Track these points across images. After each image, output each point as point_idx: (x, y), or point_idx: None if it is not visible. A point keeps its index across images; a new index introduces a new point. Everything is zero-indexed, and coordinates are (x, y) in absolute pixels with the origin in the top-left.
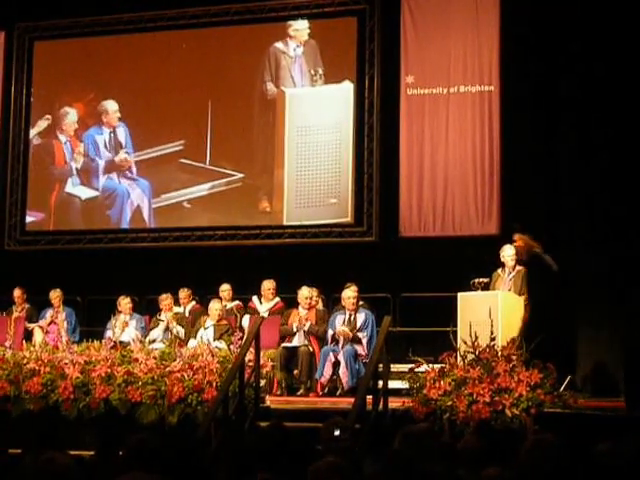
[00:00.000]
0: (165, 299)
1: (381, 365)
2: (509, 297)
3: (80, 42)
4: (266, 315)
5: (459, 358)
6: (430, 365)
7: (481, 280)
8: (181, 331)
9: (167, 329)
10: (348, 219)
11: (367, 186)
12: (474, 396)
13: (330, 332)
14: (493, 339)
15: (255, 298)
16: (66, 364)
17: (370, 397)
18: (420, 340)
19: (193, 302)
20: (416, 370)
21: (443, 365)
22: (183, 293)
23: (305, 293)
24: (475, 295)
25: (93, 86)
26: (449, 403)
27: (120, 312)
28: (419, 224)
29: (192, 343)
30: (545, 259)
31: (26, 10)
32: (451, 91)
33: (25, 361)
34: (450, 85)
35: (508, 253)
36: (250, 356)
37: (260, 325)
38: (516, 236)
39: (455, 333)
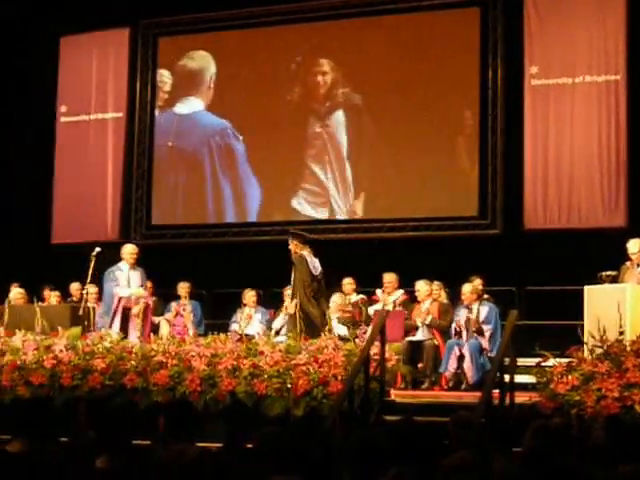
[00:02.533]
0: (288, 291)
1: (507, 359)
2: (638, 290)
3: (202, 37)
4: (390, 308)
5: (587, 352)
6: (557, 359)
7: (609, 273)
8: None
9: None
10: (472, 212)
11: (491, 179)
12: (602, 391)
13: (454, 326)
14: (621, 333)
15: (379, 291)
16: (193, 357)
17: (496, 391)
18: (546, 334)
19: None
20: (543, 364)
21: (570, 359)
22: None
23: (422, 287)
24: (603, 288)
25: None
26: (577, 398)
27: (245, 305)
28: (544, 216)
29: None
30: None
31: (150, 7)
32: (576, 81)
33: (153, 354)
34: (575, 75)
35: (632, 250)
36: (375, 349)
37: (385, 318)
38: None
39: (582, 327)
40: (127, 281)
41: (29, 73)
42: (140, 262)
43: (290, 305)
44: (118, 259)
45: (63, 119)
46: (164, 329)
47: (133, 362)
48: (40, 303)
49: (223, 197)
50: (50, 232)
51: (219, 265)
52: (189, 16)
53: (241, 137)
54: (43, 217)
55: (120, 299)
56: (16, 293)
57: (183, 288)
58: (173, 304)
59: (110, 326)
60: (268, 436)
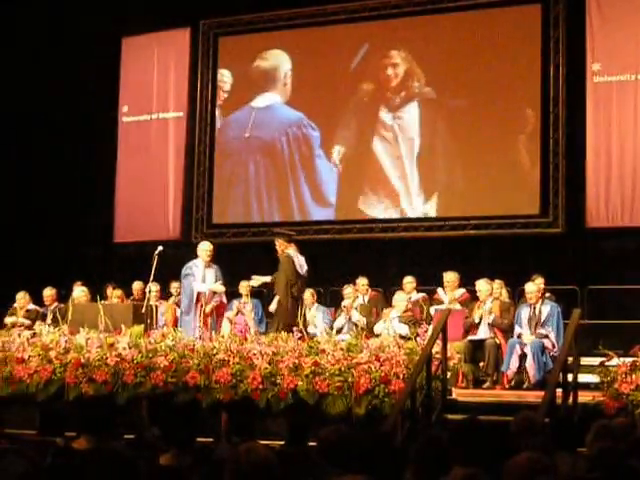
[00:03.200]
0: (344, 289)
1: (570, 358)
2: None
3: (262, 36)
4: (451, 306)
5: None
6: (621, 358)
7: None
8: (362, 320)
9: (349, 320)
10: (534, 210)
11: (553, 177)
12: None
13: (517, 326)
14: None
15: (440, 290)
16: (254, 355)
17: (559, 391)
18: (609, 333)
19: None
20: (606, 363)
21: (635, 358)
22: (361, 282)
23: (483, 287)
24: None
25: None
26: None
27: (304, 304)
28: (607, 214)
29: (379, 327)
30: None
31: (210, 7)
32: (639, 77)
33: (215, 352)
34: (638, 72)
35: None
36: (437, 348)
37: (447, 317)
38: None
39: None
40: (202, 278)
41: (92, 74)
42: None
43: (273, 303)
44: (188, 257)
45: (125, 119)
46: (225, 327)
47: (195, 360)
48: (103, 301)
49: (292, 193)
50: (112, 231)
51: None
52: (249, 16)
53: (317, 129)
54: (106, 216)
55: (199, 295)
56: (79, 292)
57: (244, 287)
58: (234, 302)
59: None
60: (332, 435)
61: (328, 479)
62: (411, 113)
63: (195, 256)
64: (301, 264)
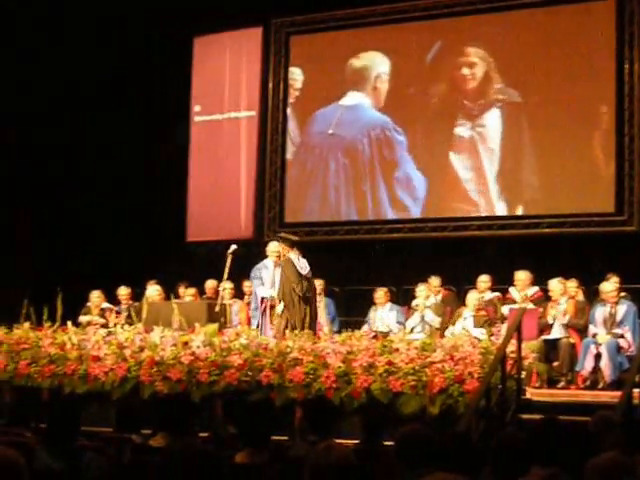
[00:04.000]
0: (417, 288)
1: None
2: None
3: (334, 35)
4: (524, 305)
5: None
6: None
7: None
8: (436, 320)
9: (422, 319)
10: (608, 208)
11: (628, 174)
12: None
13: (591, 326)
14: None
15: (512, 289)
16: (328, 353)
17: (637, 391)
18: None
19: (442, 290)
20: None
21: None
22: (434, 281)
23: (555, 287)
24: None
25: None
26: None
27: (376, 303)
28: None
29: (450, 330)
30: None
31: (282, 6)
32: None
33: (288, 350)
34: None
35: None
36: (511, 347)
37: (522, 316)
38: None
39: None
40: (272, 278)
41: (164, 73)
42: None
43: (278, 306)
44: (260, 256)
45: (197, 118)
46: None
47: (269, 358)
48: (177, 300)
49: (369, 194)
50: (185, 230)
51: (352, 262)
52: (321, 14)
53: (403, 133)
54: (178, 215)
55: (263, 299)
56: (153, 290)
57: (317, 285)
58: None
59: (257, 325)
60: (410, 434)
61: (417, 478)
62: (492, 120)
63: (265, 256)
64: (301, 265)
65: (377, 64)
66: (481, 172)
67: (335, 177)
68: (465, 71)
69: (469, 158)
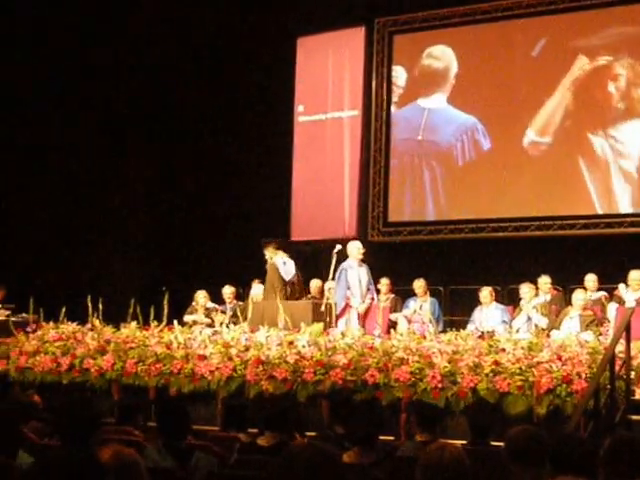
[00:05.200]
0: (524, 287)
1: None
2: None
3: (437, 34)
4: (633, 305)
5: None
6: None
7: None
8: (543, 320)
9: (528, 319)
10: None
11: None
12: None
13: None
14: None
15: (622, 286)
16: (433, 353)
17: None
18: None
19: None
20: None
21: None
22: (544, 280)
23: None
24: None
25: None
26: None
27: (481, 303)
28: None
29: (556, 334)
30: None
31: (385, 5)
32: None
33: (394, 350)
34: None
35: None
36: (620, 347)
37: (631, 316)
38: None
39: None
40: (358, 278)
41: (268, 74)
42: (377, 259)
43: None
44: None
45: (301, 118)
46: (402, 326)
47: (374, 358)
48: (281, 299)
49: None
50: (289, 230)
51: (455, 261)
52: (424, 13)
53: (489, 134)
54: (282, 215)
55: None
56: (258, 290)
57: (419, 285)
58: (411, 301)
59: (336, 323)
60: (521, 435)
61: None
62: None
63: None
64: (287, 270)
65: (451, 62)
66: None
67: (430, 180)
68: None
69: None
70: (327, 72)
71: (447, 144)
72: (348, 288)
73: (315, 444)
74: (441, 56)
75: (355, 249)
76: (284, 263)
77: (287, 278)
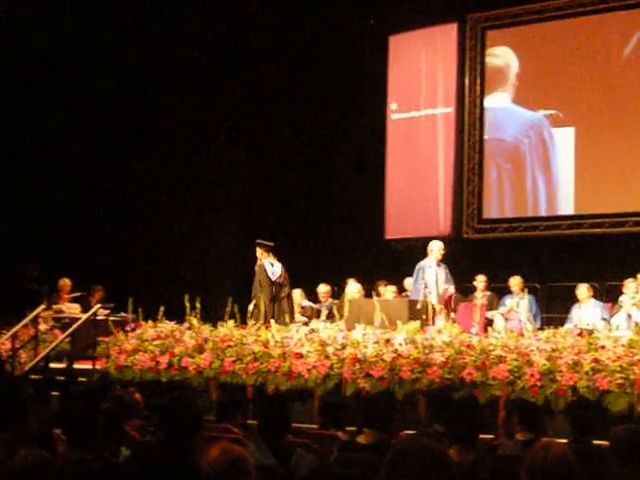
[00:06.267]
0: (629, 283)
1: None
2: None
3: (530, 29)
4: None
5: None
6: None
7: None
8: None
9: (629, 316)
10: None
11: None
12: None
13: None
14: None
15: None
16: (532, 351)
17: None
18: None
19: None
20: None
21: None
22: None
23: None
24: None
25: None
26: None
27: (579, 300)
28: None
29: None
30: None
31: (476, 1)
32: None
33: (491, 348)
34: None
35: None
36: None
37: None
38: None
39: None
40: (435, 277)
41: (360, 73)
42: (474, 256)
43: (250, 305)
44: (459, 253)
45: (394, 116)
46: (499, 323)
47: (472, 356)
48: (377, 297)
49: (545, 190)
50: (384, 228)
51: (552, 258)
52: (516, 8)
53: (557, 129)
54: (377, 213)
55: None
56: (353, 288)
57: (515, 283)
58: (507, 298)
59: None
60: (628, 434)
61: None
62: None
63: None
64: (273, 272)
65: (510, 60)
66: None
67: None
68: None
69: None
70: (420, 69)
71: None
72: (425, 286)
73: (424, 440)
74: (502, 55)
75: (436, 248)
76: (272, 265)
77: (273, 278)
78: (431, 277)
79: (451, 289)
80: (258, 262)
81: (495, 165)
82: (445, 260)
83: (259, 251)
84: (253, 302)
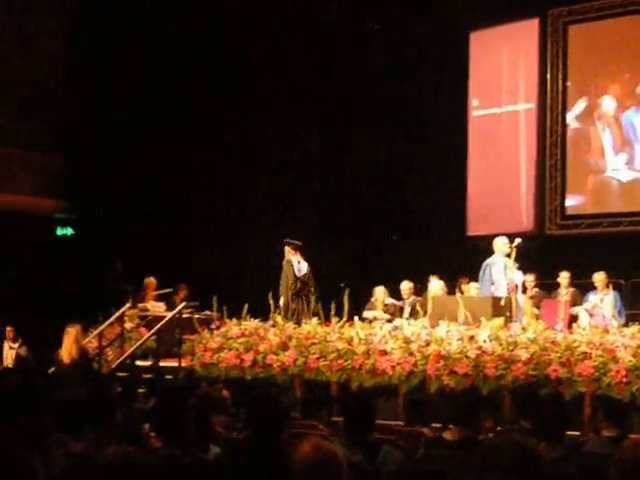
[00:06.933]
0: None
1: None
2: None
3: (613, 23)
4: None
5: None
6: None
7: None
8: None
9: None
10: None
11: None
12: None
13: None
14: None
15: None
16: (617, 347)
17: None
18: None
19: None
20: None
21: None
22: None
23: None
24: None
25: (628, 67)
26: None
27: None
28: None
29: None
30: None
31: None
32: None
33: (576, 344)
34: None
35: None
36: None
37: None
38: None
39: None
40: (503, 273)
41: (441, 70)
42: (557, 252)
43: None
44: (541, 249)
45: (475, 113)
46: (583, 320)
47: (557, 352)
48: (460, 294)
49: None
50: (465, 225)
51: (637, 254)
52: (598, 2)
53: None
54: (458, 210)
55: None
56: (436, 285)
57: (599, 278)
58: (591, 295)
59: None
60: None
61: None
62: None
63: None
64: (299, 269)
65: None
66: None
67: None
68: None
69: None
70: (501, 65)
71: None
72: (492, 284)
73: (515, 436)
74: None
75: (502, 244)
76: (298, 262)
77: (299, 275)
78: (498, 273)
79: (516, 279)
80: (286, 258)
81: (578, 160)
82: (528, 257)
83: (287, 249)
84: (282, 298)
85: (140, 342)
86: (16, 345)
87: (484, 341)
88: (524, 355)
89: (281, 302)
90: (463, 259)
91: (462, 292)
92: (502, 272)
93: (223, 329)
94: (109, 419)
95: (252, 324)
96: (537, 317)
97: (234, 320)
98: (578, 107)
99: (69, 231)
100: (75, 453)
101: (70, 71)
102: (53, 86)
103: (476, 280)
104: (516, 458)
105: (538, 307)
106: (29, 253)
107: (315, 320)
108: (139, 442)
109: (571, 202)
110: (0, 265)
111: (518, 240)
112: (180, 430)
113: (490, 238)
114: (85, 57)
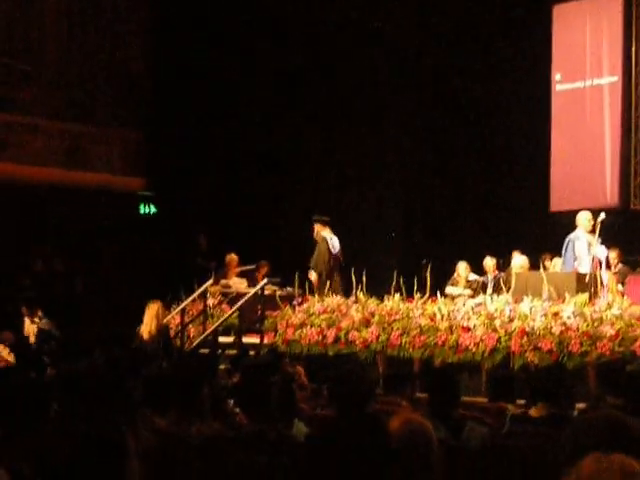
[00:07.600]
0: None
1: None
2: None
3: None
4: None
5: None
6: None
7: None
8: None
9: None
10: None
11: None
12: None
13: None
14: None
15: None
16: None
17: None
18: None
19: None
20: None
21: None
22: None
23: None
24: None
25: None
26: None
27: None
28: None
29: None
30: None
31: None
32: None
33: None
34: None
35: None
36: None
37: None
38: None
39: None
40: (586, 249)
41: (523, 43)
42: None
43: (311, 275)
44: (625, 224)
45: (559, 87)
46: None
47: None
48: (545, 270)
49: None
50: (548, 200)
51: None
52: None
53: None
54: (542, 185)
55: None
56: (519, 260)
57: None
58: None
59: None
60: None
61: None
62: None
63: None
64: (334, 245)
65: None
66: None
67: None
68: None
69: None
70: (584, 39)
71: None
72: (575, 259)
73: (606, 410)
74: None
75: (585, 219)
76: (331, 238)
77: (334, 251)
78: (581, 249)
79: (600, 254)
80: (320, 234)
81: None
82: (612, 232)
83: (317, 226)
84: (314, 273)
85: (223, 319)
86: (37, 319)
87: (568, 317)
88: (609, 331)
89: (313, 277)
90: (546, 234)
91: (545, 268)
92: (585, 248)
93: (305, 305)
94: (194, 395)
95: (334, 300)
96: (622, 294)
97: (316, 296)
98: None
99: (152, 209)
100: (160, 429)
101: (149, 48)
102: (134, 65)
103: (559, 256)
104: (611, 434)
105: (622, 283)
106: (113, 231)
107: (397, 296)
108: (224, 418)
109: None
110: (85, 244)
111: (602, 215)
112: (265, 406)
113: (573, 213)
114: (166, 34)
